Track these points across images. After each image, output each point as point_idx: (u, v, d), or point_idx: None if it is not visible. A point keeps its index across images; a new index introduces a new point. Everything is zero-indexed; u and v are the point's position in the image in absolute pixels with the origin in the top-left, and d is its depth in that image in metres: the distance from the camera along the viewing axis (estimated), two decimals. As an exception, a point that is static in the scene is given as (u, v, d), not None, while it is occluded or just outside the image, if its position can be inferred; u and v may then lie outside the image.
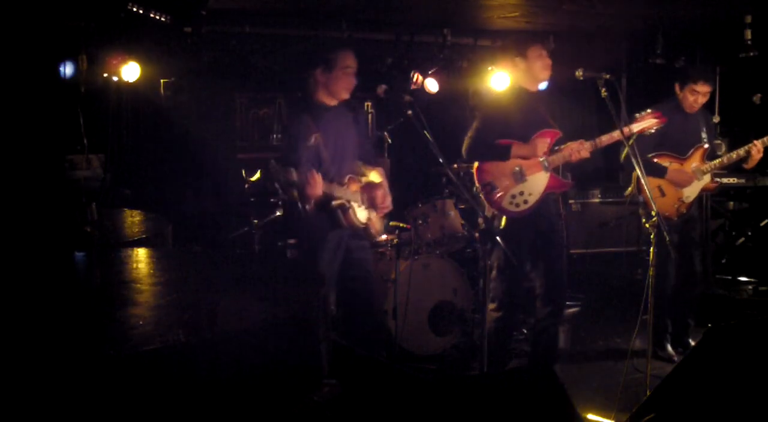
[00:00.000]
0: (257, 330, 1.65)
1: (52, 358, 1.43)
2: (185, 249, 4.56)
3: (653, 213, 3.44)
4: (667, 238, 3.45)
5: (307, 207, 3.46)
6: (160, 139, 5.81)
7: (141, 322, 1.72)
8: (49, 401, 1.33)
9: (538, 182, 3.85)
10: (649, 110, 3.94)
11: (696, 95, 4.36)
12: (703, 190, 4.48)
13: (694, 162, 4.44)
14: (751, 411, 2.43)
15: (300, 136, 3.63)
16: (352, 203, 3.68)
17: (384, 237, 4.89)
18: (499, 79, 4.09)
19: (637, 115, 3.95)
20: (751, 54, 5.49)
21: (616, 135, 3.75)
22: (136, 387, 1.40)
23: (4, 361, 1.40)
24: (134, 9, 4.73)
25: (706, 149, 4.45)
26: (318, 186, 3.38)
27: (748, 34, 5.51)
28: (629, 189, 4.45)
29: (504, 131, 3.87)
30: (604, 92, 3.56)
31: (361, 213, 3.75)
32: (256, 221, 4.71)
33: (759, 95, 4.49)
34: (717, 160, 4.43)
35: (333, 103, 3.75)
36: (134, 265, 2.58)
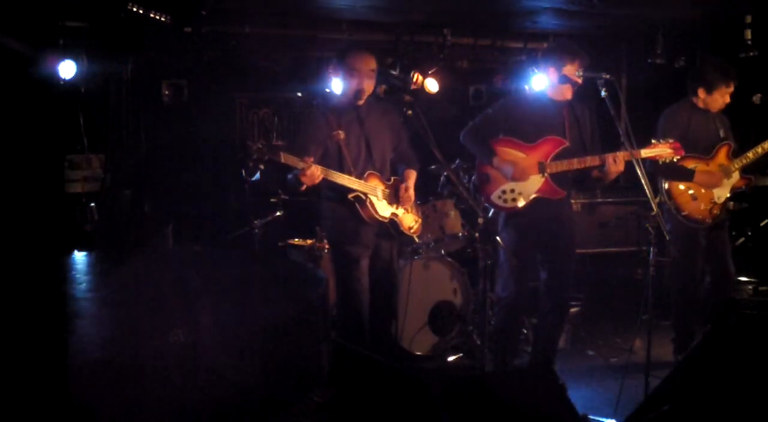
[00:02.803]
0: (257, 330, 1.65)
1: (50, 359, 1.43)
2: (185, 249, 4.56)
3: (653, 213, 3.43)
4: (667, 237, 3.45)
5: (301, 188, 3.51)
6: (160, 139, 5.80)
7: (141, 322, 1.72)
8: (46, 401, 1.33)
9: (531, 184, 3.84)
10: (670, 140, 3.85)
11: (725, 96, 4.31)
12: (734, 188, 4.39)
13: (720, 160, 4.36)
14: (751, 411, 2.43)
15: (311, 133, 3.68)
16: (370, 196, 3.69)
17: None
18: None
19: (654, 140, 3.85)
20: (751, 54, 5.48)
21: (621, 155, 3.71)
22: (136, 388, 1.39)
23: (3, 362, 1.41)
24: (134, 9, 4.74)
25: (731, 146, 4.37)
26: (311, 177, 3.41)
27: (748, 34, 5.51)
28: (658, 198, 4.37)
29: (510, 129, 3.89)
30: (604, 92, 3.56)
31: (383, 208, 3.75)
32: (256, 221, 4.71)
33: (759, 95, 4.46)
34: (743, 156, 4.35)
35: (360, 101, 3.76)
36: (134, 265, 2.58)
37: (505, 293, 4.01)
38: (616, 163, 3.72)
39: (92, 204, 4.87)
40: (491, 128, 3.94)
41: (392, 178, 3.89)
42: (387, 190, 3.81)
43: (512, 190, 3.86)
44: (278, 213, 4.89)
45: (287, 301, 1.90)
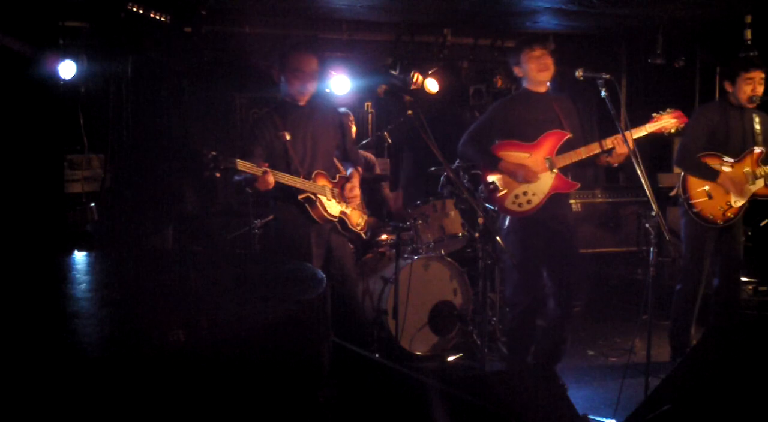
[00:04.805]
0: (257, 330, 1.65)
1: (48, 359, 1.43)
2: (185, 249, 4.56)
3: (653, 213, 3.43)
4: (667, 237, 3.44)
5: (250, 189, 3.57)
6: (160, 139, 5.80)
7: (141, 323, 1.71)
8: (45, 402, 1.33)
9: (543, 182, 3.76)
10: (669, 109, 3.79)
11: (752, 83, 4.19)
12: (755, 195, 4.28)
13: (747, 166, 4.25)
14: (750, 411, 2.43)
15: (257, 136, 3.69)
16: (319, 196, 3.73)
17: (384, 236, 4.91)
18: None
19: (655, 114, 3.80)
20: (751, 54, 5.48)
21: (627, 134, 3.63)
22: (135, 388, 1.39)
23: (3, 362, 1.40)
24: (134, 9, 4.74)
25: (761, 153, 4.26)
26: (266, 183, 3.44)
27: (748, 34, 5.52)
28: (675, 190, 4.32)
29: (508, 132, 3.84)
30: (604, 92, 3.55)
31: (333, 207, 3.80)
32: (256, 221, 4.71)
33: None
34: None
35: (303, 102, 3.78)
36: (134, 265, 2.58)
37: (518, 298, 3.92)
38: (621, 144, 3.66)
39: (92, 204, 4.86)
40: (488, 134, 3.87)
41: (337, 176, 3.92)
42: (335, 189, 3.85)
43: (525, 193, 3.77)
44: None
45: (287, 301, 1.90)
